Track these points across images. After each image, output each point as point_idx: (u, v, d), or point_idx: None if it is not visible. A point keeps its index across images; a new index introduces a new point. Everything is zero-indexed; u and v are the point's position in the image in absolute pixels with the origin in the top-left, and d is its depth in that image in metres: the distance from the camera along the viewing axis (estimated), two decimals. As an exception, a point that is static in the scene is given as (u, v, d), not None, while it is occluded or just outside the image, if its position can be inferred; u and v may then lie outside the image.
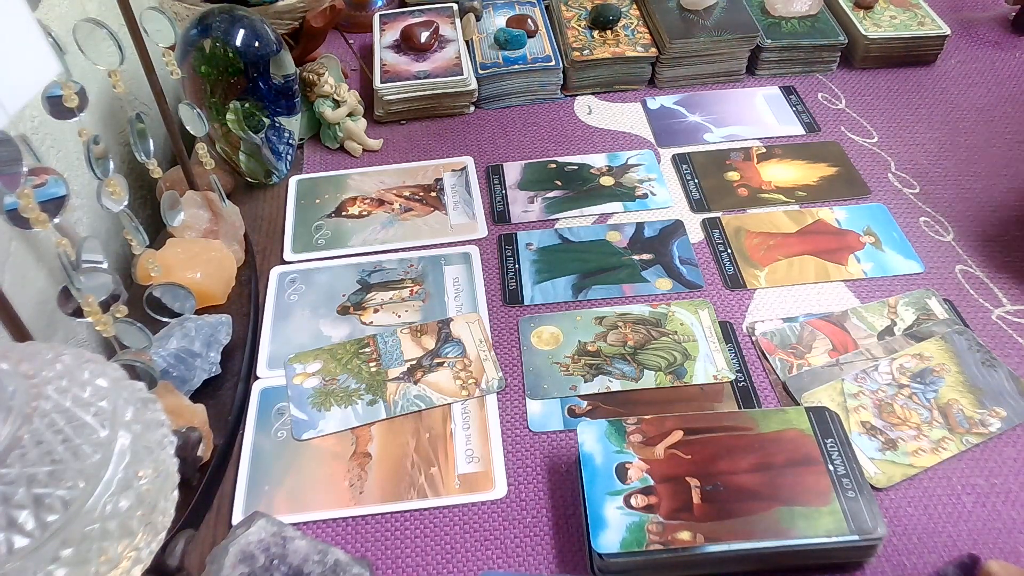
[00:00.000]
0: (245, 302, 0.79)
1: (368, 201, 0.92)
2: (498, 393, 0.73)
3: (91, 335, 0.76)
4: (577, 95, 1.06)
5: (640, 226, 0.87)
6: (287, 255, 0.86)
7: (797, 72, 1.08)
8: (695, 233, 0.87)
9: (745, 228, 0.86)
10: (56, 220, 0.55)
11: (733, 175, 0.93)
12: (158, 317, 0.73)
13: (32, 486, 0.40)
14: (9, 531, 0.39)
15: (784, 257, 0.83)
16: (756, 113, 1.02)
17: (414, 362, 0.75)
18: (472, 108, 1.04)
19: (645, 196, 0.91)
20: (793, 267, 0.82)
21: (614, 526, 0.58)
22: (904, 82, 1.05)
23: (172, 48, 0.75)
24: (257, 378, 0.75)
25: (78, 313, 0.60)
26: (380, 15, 1.13)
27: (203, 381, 0.71)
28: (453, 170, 0.96)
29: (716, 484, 0.59)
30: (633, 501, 0.59)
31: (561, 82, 1.05)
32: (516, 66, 1.02)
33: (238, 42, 0.83)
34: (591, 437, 0.63)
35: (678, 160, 0.95)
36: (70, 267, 0.57)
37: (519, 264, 0.84)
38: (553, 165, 0.96)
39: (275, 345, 0.77)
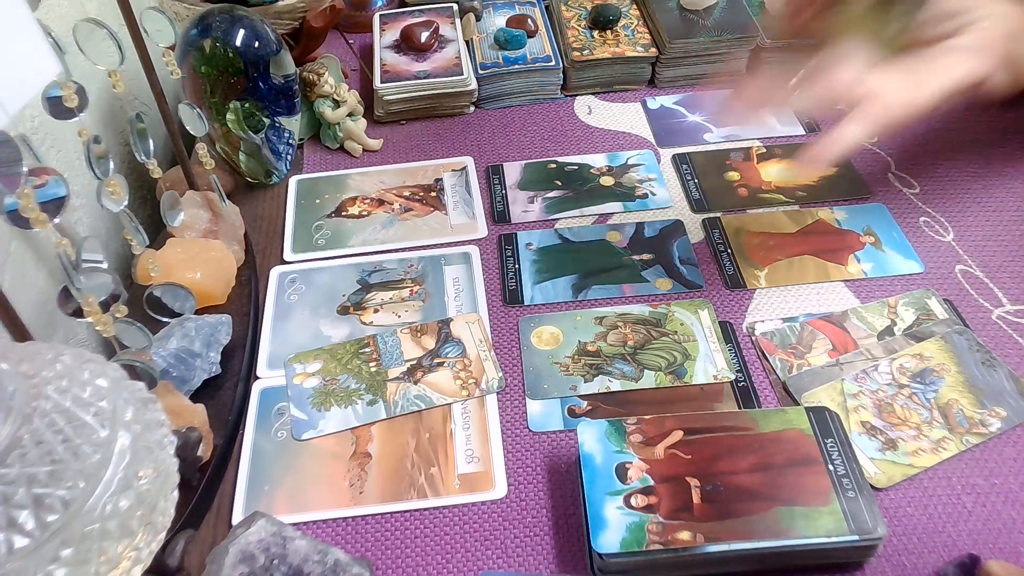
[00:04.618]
0: (245, 302, 0.80)
1: (368, 201, 0.92)
2: (498, 393, 0.73)
3: (91, 335, 0.76)
4: (577, 95, 1.06)
5: (640, 226, 0.87)
6: (287, 255, 0.86)
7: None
8: (695, 233, 0.87)
9: (745, 228, 0.86)
10: (56, 220, 0.55)
11: (733, 175, 0.93)
12: (158, 317, 0.73)
13: (32, 486, 0.40)
14: (9, 531, 0.39)
15: (784, 257, 0.83)
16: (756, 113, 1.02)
17: (414, 362, 0.75)
18: (472, 108, 1.04)
19: (645, 196, 0.91)
20: (793, 267, 0.82)
21: (614, 526, 0.58)
22: (904, 82, 1.05)
23: (172, 48, 0.75)
24: (257, 378, 0.75)
25: (78, 313, 0.60)
26: (380, 15, 1.13)
27: (203, 381, 0.71)
28: (453, 170, 0.96)
29: (716, 484, 0.59)
30: (633, 501, 0.59)
31: (561, 82, 1.05)
32: (516, 66, 1.02)
33: (238, 42, 0.83)
34: (591, 437, 0.63)
35: (678, 160, 0.95)
36: (70, 267, 0.57)
37: (519, 264, 0.84)
38: (553, 165, 0.96)
39: (275, 345, 0.77)
